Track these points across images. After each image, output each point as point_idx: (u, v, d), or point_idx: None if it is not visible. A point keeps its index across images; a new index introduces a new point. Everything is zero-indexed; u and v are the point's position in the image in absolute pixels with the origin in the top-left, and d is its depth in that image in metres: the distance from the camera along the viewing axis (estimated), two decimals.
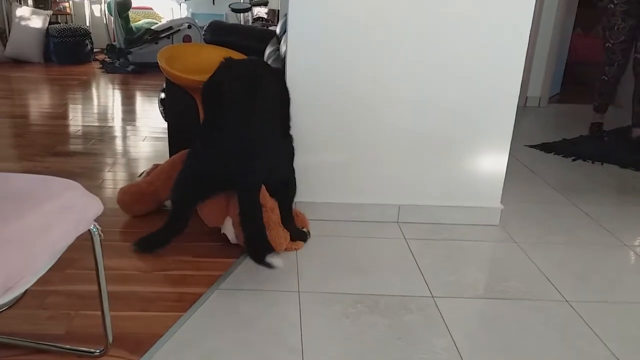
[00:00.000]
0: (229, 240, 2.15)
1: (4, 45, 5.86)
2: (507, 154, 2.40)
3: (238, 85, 2.09)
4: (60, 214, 1.29)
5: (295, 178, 2.26)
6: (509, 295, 1.95)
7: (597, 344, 1.70)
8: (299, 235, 2.24)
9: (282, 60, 2.52)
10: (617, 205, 2.79)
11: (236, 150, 2.02)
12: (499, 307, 1.88)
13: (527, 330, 1.76)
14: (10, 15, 5.95)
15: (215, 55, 2.75)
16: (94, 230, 1.43)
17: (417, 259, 2.16)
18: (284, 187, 2.22)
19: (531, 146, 3.66)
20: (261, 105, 2.09)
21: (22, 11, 5.91)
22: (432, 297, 1.91)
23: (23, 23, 5.84)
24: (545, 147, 3.64)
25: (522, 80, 2.31)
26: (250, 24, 6.34)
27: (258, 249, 1.94)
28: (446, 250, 2.25)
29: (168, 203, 2.52)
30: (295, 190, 2.28)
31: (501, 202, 2.48)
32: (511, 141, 2.39)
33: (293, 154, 2.25)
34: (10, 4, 5.99)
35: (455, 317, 1.80)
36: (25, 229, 1.17)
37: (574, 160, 3.44)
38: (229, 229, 2.12)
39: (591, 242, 2.38)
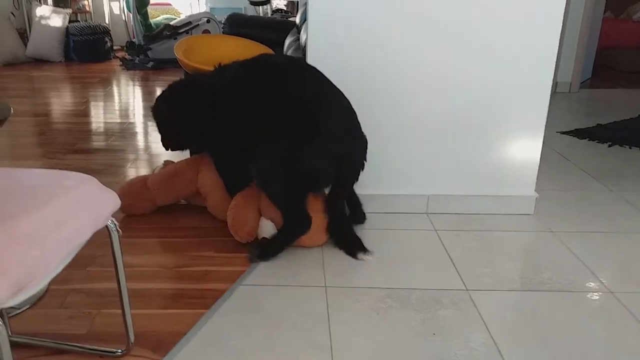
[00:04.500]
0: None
1: (25, 46, 5.89)
2: (542, 140, 2.28)
3: (306, 82, 2.06)
4: (74, 209, 1.22)
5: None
6: (547, 287, 1.84)
7: None
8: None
9: (302, 49, 2.44)
10: None
11: (343, 143, 1.99)
12: (538, 300, 1.77)
13: (569, 323, 1.66)
14: (30, 15, 5.98)
15: (235, 46, 2.68)
16: (112, 225, 1.37)
17: (449, 251, 2.07)
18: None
19: (564, 132, 3.52)
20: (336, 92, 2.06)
21: (42, 10, 5.93)
22: (467, 290, 1.82)
23: (43, 22, 5.86)
24: (578, 133, 3.50)
25: None
26: (269, 16, 6.27)
27: (352, 242, 2.04)
28: (479, 241, 2.15)
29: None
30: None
31: (535, 190, 2.36)
32: None
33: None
34: (31, 4, 6.01)
35: (492, 311, 1.71)
36: (37, 226, 1.11)
37: (609, 146, 3.30)
38: (268, 230, 2.04)
39: (632, 230, 2.25)
